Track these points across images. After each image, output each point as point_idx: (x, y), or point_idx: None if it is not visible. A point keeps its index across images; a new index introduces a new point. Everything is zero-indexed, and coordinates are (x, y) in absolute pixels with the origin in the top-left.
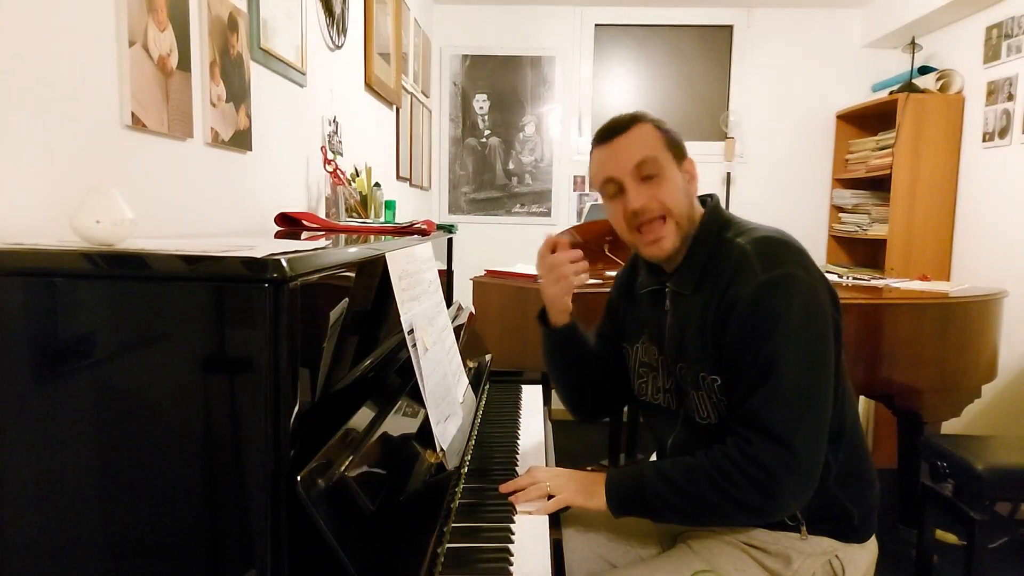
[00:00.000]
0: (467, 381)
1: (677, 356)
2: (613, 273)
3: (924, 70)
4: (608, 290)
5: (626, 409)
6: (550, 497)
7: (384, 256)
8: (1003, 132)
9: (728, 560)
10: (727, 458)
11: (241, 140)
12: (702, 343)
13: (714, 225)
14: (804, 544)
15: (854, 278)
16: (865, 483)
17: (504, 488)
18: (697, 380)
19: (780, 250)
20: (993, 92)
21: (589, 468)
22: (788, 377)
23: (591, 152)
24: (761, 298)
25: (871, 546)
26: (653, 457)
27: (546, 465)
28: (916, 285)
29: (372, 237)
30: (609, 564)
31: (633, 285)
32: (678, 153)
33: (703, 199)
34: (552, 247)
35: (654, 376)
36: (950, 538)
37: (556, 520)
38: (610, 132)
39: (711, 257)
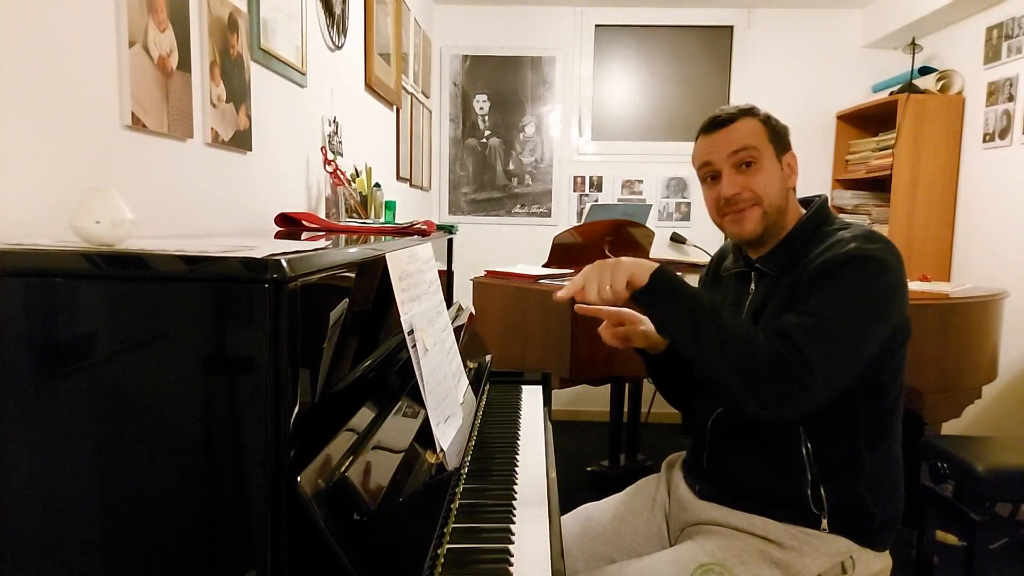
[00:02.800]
0: (467, 381)
1: None
2: None
3: (924, 71)
4: None
5: (626, 410)
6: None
7: (384, 256)
8: (1003, 133)
9: (734, 554)
10: (770, 339)
11: (241, 140)
12: (777, 316)
13: (816, 219)
14: (820, 542)
15: None
16: (893, 492)
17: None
18: None
19: (881, 240)
20: (993, 93)
21: (590, 468)
22: (841, 321)
23: (696, 140)
24: (847, 257)
25: (885, 557)
26: (670, 456)
27: (546, 466)
28: (916, 286)
29: (372, 237)
30: (611, 560)
31: (719, 269)
32: (780, 146)
33: (811, 199)
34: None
35: None
36: (950, 539)
37: (557, 519)
38: (716, 123)
39: (806, 244)
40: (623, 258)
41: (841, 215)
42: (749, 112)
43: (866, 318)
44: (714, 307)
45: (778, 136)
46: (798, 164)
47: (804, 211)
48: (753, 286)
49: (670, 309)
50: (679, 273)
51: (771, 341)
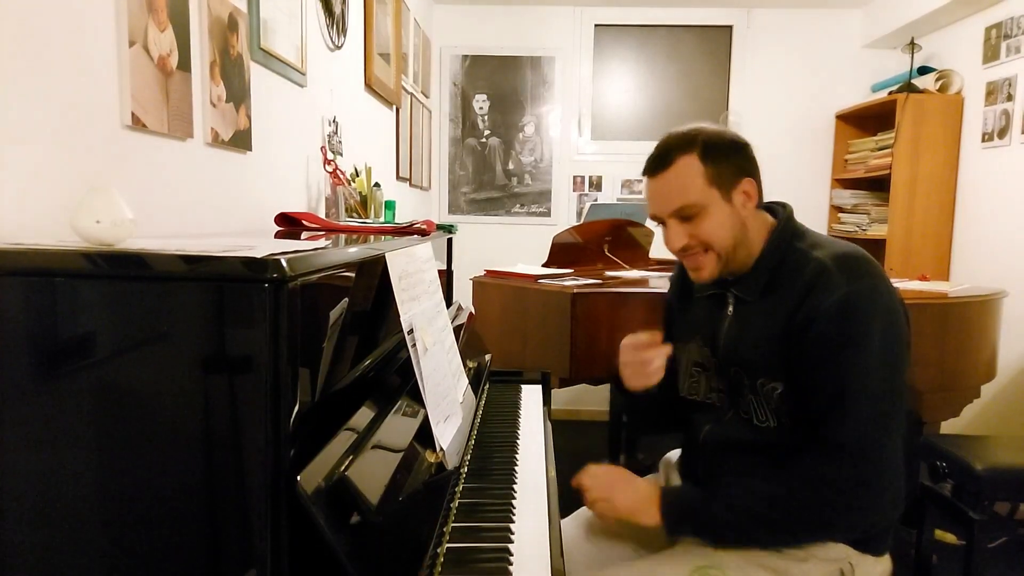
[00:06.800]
0: (467, 381)
1: (731, 359)
2: (613, 273)
3: (923, 70)
4: (607, 291)
5: None
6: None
7: (384, 256)
8: (1002, 132)
9: (731, 557)
10: (816, 479)
11: (241, 140)
12: (765, 350)
13: (785, 234)
14: (818, 548)
15: None
16: (895, 497)
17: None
18: (755, 386)
19: (861, 263)
20: (992, 92)
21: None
22: (872, 393)
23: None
24: (846, 308)
25: (885, 561)
26: (668, 453)
27: (545, 465)
28: (915, 285)
29: (372, 237)
30: (610, 562)
31: (689, 286)
32: (726, 183)
33: (775, 207)
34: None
35: (707, 376)
36: (949, 538)
37: (557, 519)
38: (652, 165)
39: (781, 264)
40: (613, 498)
41: (840, 215)
42: (686, 148)
43: (897, 365)
44: (738, 510)
45: (721, 175)
46: (755, 187)
47: (773, 220)
48: (730, 309)
49: (704, 531)
50: None
51: (811, 473)
